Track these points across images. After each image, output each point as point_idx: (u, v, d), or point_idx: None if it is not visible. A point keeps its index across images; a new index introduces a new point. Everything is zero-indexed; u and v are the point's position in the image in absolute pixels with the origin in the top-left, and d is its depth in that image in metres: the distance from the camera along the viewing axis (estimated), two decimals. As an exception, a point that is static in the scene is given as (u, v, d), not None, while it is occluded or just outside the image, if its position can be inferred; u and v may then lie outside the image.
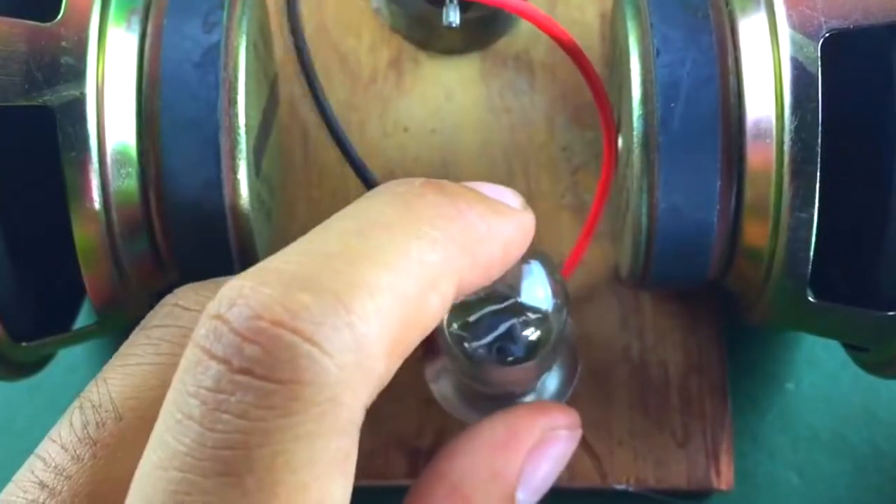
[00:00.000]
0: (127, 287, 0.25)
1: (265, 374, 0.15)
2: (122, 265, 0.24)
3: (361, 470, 0.29)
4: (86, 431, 0.18)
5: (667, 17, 0.24)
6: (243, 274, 0.16)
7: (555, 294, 0.22)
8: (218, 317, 0.16)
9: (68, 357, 0.31)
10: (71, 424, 0.19)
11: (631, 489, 0.29)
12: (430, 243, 0.18)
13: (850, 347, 0.28)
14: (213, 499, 0.15)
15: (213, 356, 0.15)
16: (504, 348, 0.22)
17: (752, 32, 0.24)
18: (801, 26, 0.23)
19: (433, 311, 0.18)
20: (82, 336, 0.27)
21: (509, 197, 0.21)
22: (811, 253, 0.23)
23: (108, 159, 0.23)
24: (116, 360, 0.20)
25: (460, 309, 0.22)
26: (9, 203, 0.25)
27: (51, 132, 0.23)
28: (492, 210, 0.20)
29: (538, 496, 0.23)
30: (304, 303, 0.15)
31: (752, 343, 0.32)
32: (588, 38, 0.32)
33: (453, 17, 0.29)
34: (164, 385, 0.18)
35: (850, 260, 0.25)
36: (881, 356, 0.26)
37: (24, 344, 0.25)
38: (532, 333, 0.22)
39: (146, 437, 0.18)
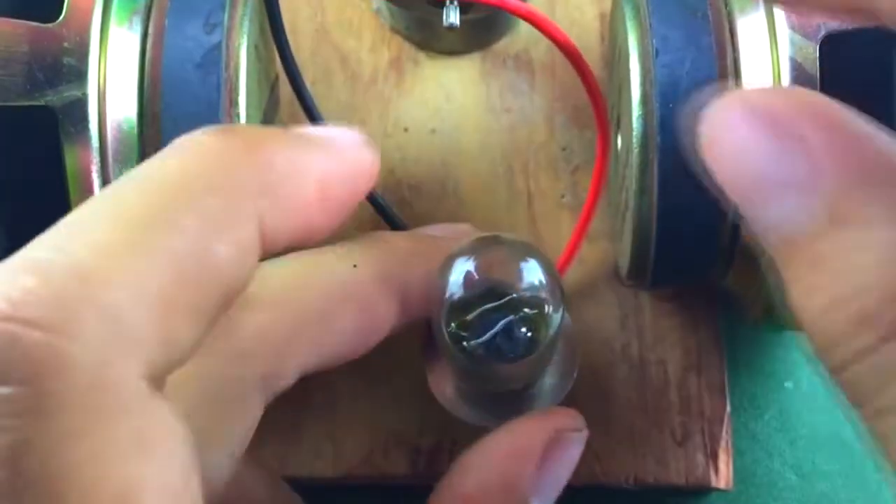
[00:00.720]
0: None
1: (1, 379, 0.13)
2: (123, 265, 0.24)
3: (362, 469, 0.29)
4: None
5: (666, 18, 0.24)
6: None
7: (552, 290, 0.23)
8: None
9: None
10: None
11: (630, 487, 0.29)
12: (200, 187, 0.16)
13: (848, 347, 0.28)
14: None
15: None
16: (502, 345, 0.22)
17: (751, 33, 0.24)
18: (800, 27, 0.23)
19: (226, 259, 0.16)
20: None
21: (337, 132, 0.19)
22: (810, 253, 0.23)
23: (110, 159, 0.23)
24: None
25: (457, 308, 0.23)
26: (11, 203, 0.25)
27: (53, 132, 0.23)
28: (296, 144, 0.18)
29: (552, 498, 0.23)
30: (28, 286, 0.13)
31: (752, 343, 0.32)
32: (587, 38, 0.32)
33: (453, 18, 0.29)
34: None
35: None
36: (879, 355, 0.26)
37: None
38: (530, 330, 0.22)
39: None
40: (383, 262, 0.23)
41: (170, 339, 0.15)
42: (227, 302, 0.16)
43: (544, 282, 0.23)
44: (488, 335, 0.22)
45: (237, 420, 0.21)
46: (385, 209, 0.26)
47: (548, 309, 0.23)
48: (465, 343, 0.22)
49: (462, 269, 0.22)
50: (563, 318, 0.23)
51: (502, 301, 0.22)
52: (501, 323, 0.22)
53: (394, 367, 0.29)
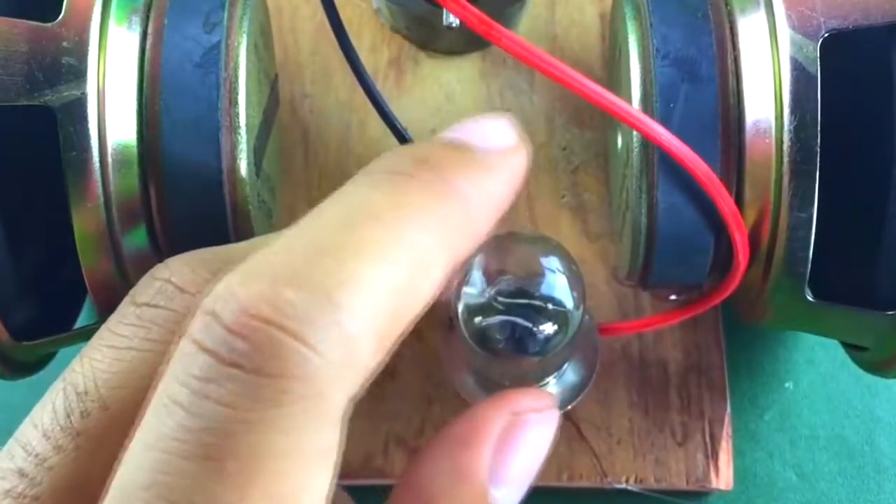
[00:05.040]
0: (128, 286, 0.25)
1: (253, 368, 0.15)
2: (123, 264, 0.24)
3: (361, 469, 0.29)
4: (69, 420, 0.18)
5: (666, 18, 0.24)
6: (235, 269, 0.17)
7: (573, 289, 0.22)
8: (210, 312, 0.16)
9: (69, 356, 0.31)
10: (54, 410, 0.18)
11: (630, 488, 0.29)
12: (421, 228, 0.18)
13: (848, 347, 0.28)
14: (190, 481, 0.15)
15: (203, 348, 0.16)
16: (519, 341, 0.22)
17: (751, 32, 0.24)
18: (801, 26, 0.23)
19: (424, 296, 0.18)
20: (83, 335, 0.27)
21: (502, 133, 0.20)
22: (811, 253, 0.23)
23: (109, 159, 0.23)
24: (104, 336, 0.20)
25: (477, 297, 0.22)
26: (11, 203, 0.25)
27: (52, 132, 0.23)
28: (485, 169, 0.19)
29: (520, 489, 0.21)
30: (290, 299, 0.16)
31: (752, 343, 0.32)
32: (587, 38, 0.32)
33: (453, 17, 0.29)
34: (152, 375, 0.18)
35: (849, 260, 0.25)
36: (880, 355, 0.26)
37: (25, 343, 0.25)
38: (548, 328, 0.22)
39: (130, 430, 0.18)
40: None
41: (374, 369, 0.17)
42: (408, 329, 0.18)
43: (566, 281, 0.22)
44: (505, 326, 0.22)
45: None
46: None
47: (568, 309, 0.22)
48: (479, 334, 0.22)
49: (485, 260, 0.22)
50: (582, 317, 0.23)
51: (522, 298, 0.22)
52: (520, 318, 0.22)
53: (394, 368, 0.29)
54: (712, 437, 0.29)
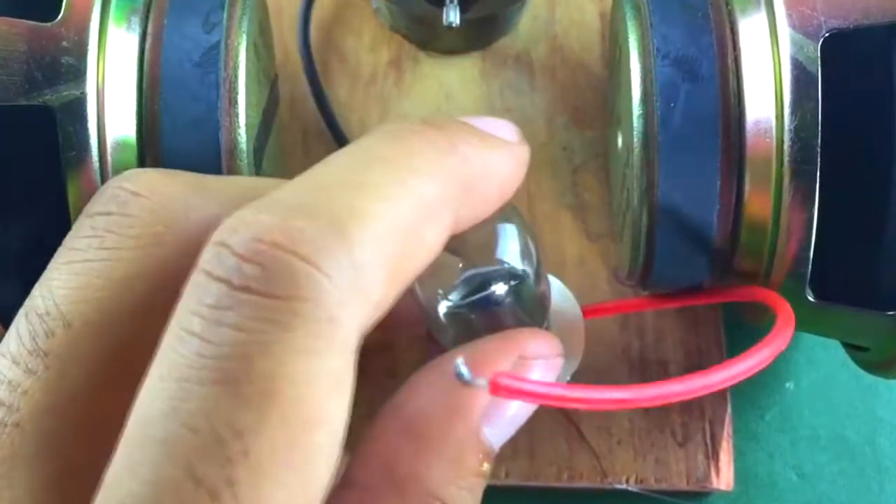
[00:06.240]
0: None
1: (264, 291, 0.16)
2: (122, 265, 0.24)
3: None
4: (35, 343, 0.18)
5: (667, 17, 0.24)
6: (246, 206, 0.17)
7: (525, 255, 0.22)
8: (220, 243, 0.16)
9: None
10: (18, 336, 0.18)
11: (631, 488, 0.29)
12: (425, 176, 0.18)
13: (849, 347, 0.28)
14: (209, 404, 0.15)
15: (214, 277, 0.16)
16: (479, 311, 0.22)
17: (752, 32, 0.24)
18: (801, 26, 0.23)
19: (429, 243, 0.18)
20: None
21: (504, 130, 0.21)
22: (811, 253, 0.23)
23: (109, 159, 0.23)
24: (61, 255, 0.19)
25: (437, 271, 0.22)
26: (10, 203, 0.25)
27: (52, 132, 0.23)
28: (487, 145, 0.20)
29: (512, 429, 0.21)
30: (301, 227, 0.16)
31: (752, 343, 0.32)
32: (588, 38, 0.32)
33: (453, 17, 0.29)
34: (110, 286, 0.18)
35: (850, 260, 0.25)
36: (881, 355, 0.26)
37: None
38: (506, 296, 0.22)
39: (98, 345, 0.18)
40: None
41: (381, 302, 0.17)
42: (413, 279, 0.18)
43: (520, 246, 0.22)
44: (467, 299, 0.22)
45: None
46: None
47: (525, 275, 0.22)
48: (444, 306, 0.22)
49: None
50: (540, 284, 0.22)
51: (483, 268, 0.22)
52: (480, 287, 0.22)
53: (394, 367, 0.29)
54: (713, 437, 0.29)
